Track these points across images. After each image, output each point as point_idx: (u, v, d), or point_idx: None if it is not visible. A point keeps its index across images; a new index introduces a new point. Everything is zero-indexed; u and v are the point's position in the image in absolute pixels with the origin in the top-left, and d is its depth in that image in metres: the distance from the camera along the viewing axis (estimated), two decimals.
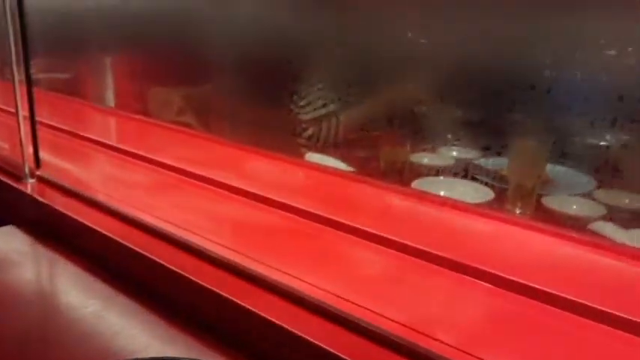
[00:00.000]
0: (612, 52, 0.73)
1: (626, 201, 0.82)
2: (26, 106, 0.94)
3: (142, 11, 1.33)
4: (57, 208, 0.85)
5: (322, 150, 1.11)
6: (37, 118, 0.97)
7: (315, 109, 1.09)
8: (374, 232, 0.69)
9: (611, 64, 0.74)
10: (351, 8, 0.98)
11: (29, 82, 0.91)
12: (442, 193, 0.92)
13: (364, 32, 0.97)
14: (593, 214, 0.82)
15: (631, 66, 0.73)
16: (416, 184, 0.95)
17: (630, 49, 0.71)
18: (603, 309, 0.52)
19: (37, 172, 0.94)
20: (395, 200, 0.86)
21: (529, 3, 0.79)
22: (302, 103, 1.10)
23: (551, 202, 0.86)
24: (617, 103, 0.75)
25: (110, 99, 1.54)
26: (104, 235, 0.76)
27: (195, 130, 1.28)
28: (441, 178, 0.95)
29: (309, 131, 1.11)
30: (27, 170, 0.95)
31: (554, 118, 0.83)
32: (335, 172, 1.00)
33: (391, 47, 0.94)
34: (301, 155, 1.11)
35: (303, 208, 0.77)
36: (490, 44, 0.85)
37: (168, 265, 0.67)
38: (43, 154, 0.98)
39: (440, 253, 0.62)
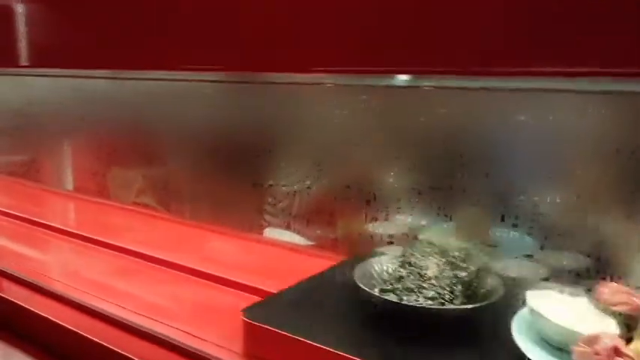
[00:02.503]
0: (554, 118, 0.80)
1: (565, 262, 0.87)
2: None
3: (101, 93, 1.37)
4: (11, 299, 0.85)
5: (284, 224, 1.13)
6: None
7: (290, 184, 1.12)
8: None
9: (553, 129, 0.81)
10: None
11: None
12: None
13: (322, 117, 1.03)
14: (536, 276, 0.86)
15: (569, 131, 0.80)
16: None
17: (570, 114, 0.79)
18: None
19: None
20: None
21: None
22: (281, 177, 1.13)
23: (496, 265, 0.90)
24: (557, 167, 0.83)
25: (68, 182, 1.55)
26: (62, 326, 0.76)
27: (155, 211, 1.30)
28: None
29: (282, 204, 1.13)
30: None
31: (499, 181, 0.89)
32: (292, 247, 1.04)
33: (351, 124, 1.01)
34: (260, 231, 1.14)
35: (262, 287, 0.80)
36: (436, 114, 0.92)
37: (130, 356, 0.68)
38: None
39: None
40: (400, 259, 0.71)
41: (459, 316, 0.63)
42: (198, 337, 0.69)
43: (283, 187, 1.11)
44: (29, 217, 1.22)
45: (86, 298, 0.81)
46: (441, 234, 0.80)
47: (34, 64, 0.74)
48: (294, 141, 1.09)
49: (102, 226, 1.16)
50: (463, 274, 0.66)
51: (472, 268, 0.68)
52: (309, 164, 1.08)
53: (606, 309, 0.59)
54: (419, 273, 0.67)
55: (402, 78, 0.86)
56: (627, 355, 0.50)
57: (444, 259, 0.69)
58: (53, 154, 1.57)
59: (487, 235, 0.92)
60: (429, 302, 0.63)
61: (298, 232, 1.09)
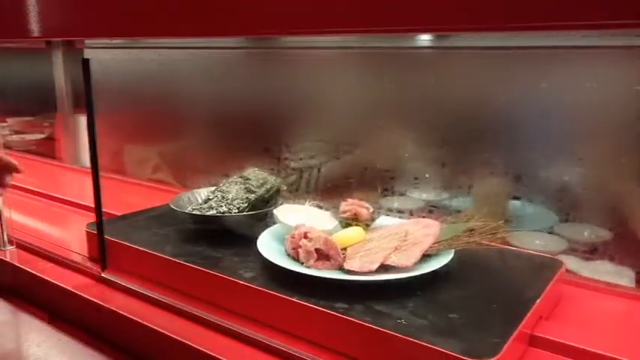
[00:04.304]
0: (572, 93, 0.78)
1: (585, 234, 0.86)
2: None
3: (118, 69, 1.37)
4: (31, 271, 0.86)
5: (299, 197, 1.13)
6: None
7: (301, 159, 1.12)
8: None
9: (572, 103, 0.79)
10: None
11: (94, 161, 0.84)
12: None
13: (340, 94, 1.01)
14: (556, 249, 0.85)
15: (588, 105, 0.78)
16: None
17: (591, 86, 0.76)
18: None
19: (103, 275, 0.83)
20: None
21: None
22: (293, 151, 1.13)
23: (516, 238, 0.89)
24: (577, 141, 0.80)
25: (85, 159, 1.55)
26: (80, 296, 0.77)
27: (171, 187, 1.30)
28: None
29: (292, 178, 1.13)
30: (5, 238, 0.95)
31: (517, 155, 0.87)
32: None
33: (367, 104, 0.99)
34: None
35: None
36: (455, 79, 0.90)
37: (141, 321, 0.68)
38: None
39: None
40: (214, 189, 0.91)
41: (237, 222, 0.83)
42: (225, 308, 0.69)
43: (299, 161, 1.10)
44: (47, 193, 1.23)
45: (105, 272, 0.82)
46: (257, 171, 0.92)
47: (47, 34, 0.73)
48: (310, 111, 1.08)
49: (118, 202, 1.17)
50: (252, 195, 0.87)
51: (261, 192, 0.87)
52: (324, 134, 1.07)
53: (339, 217, 0.80)
54: (222, 196, 0.88)
55: (423, 38, 0.84)
56: (311, 238, 0.68)
57: (244, 186, 0.88)
58: (69, 131, 1.58)
59: (506, 208, 0.91)
60: (219, 214, 0.84)
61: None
